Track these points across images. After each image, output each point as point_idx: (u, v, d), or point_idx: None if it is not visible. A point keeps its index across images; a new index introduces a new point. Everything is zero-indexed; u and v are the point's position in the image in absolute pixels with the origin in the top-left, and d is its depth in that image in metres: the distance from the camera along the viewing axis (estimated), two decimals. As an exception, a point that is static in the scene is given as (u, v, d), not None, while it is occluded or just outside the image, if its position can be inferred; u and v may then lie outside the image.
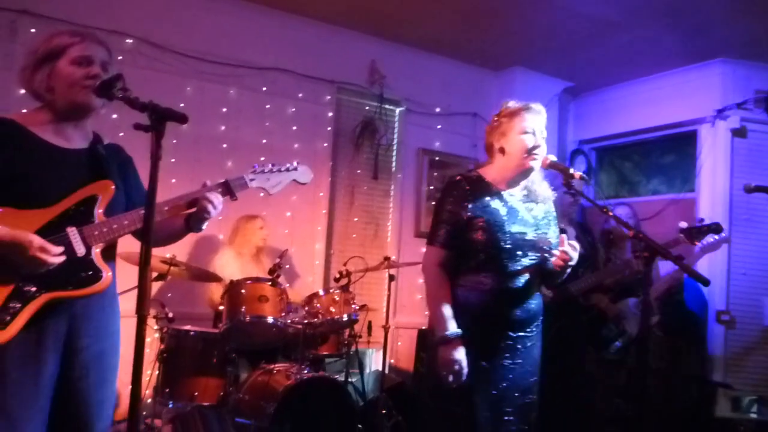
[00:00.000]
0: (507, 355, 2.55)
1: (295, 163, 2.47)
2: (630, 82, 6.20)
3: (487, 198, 2.60)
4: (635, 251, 3.89)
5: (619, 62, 5.77)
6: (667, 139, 6.12)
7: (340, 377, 4.20)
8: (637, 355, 4.32)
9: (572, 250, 2.50)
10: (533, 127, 2.58)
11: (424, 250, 2.75)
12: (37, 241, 1.88)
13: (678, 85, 5.80)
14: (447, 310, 2.51)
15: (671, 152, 6.18)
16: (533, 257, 2.59)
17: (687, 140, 5.88)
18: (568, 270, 2.59)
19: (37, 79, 2.09)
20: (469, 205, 2.57)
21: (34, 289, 1.92)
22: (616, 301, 4.39)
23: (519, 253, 2.56)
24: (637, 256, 3.64)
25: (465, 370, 2.45)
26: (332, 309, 4.12)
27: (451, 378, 2.44)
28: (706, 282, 2.42)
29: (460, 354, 2.46)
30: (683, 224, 3.82)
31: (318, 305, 4.14)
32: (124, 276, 2.35)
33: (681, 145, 6.00)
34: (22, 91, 2.14)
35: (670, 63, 5.68)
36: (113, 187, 2.12)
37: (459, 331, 2.48)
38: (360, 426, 3.93)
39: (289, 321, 3.99)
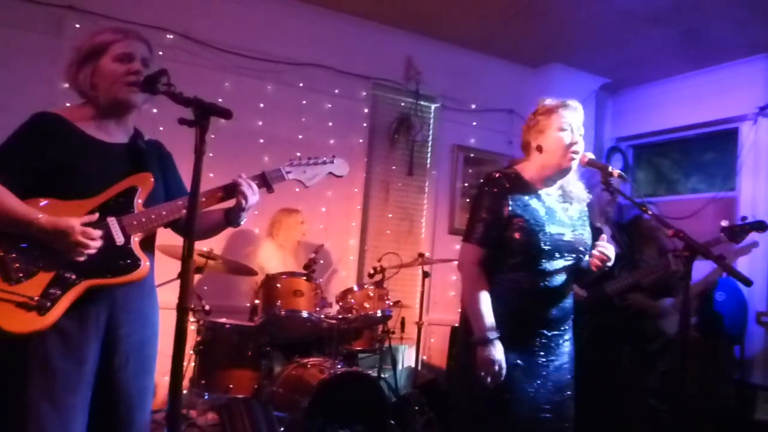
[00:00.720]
0: (542, 353, 2.52)
1: (331, 156, 2.47)
2: (669, 78, 6.11)
3: (526, 197, 2.56)
4: (674, 251, 3.82)
5: (658, 58, 5.68)
6: (707, 137, 6.02)
7: (373, 373, 4.22)
8: (676, 356, 4.25)
9: (610, 251, 2.49)
10: (570, 123, 2.53)
11: (458, 247, 2.71)
12: (79, 226, 1.92)
13: (719, 81, 5.70)
14: (485, 309, 2.47)
15: (711, 150, 6.08)
16: (570, 258, 2.56)
17: (728, 138, 5.78)
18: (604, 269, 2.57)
19: (80, 78, 2.12)
20: (510, 203, 2.52)
21: (74, 276, 1.95)
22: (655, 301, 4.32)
23: (557, 254, 2.52)
24: (676, 255, 3.57)
25: (504, 371, 2.42)
26: (366, 305, 4.15)
27: (489, 379, 2.41)
28: (748, 282, 2.38)
29: (500, 354, 2.42)
30: (725, 223, 3.73)
31: (352, 300, 4.17)
32: (162, 268, 2.39)
33: (721, 142, 5.90)
34: (66, 85, 2.19)
35: (711, 59, 5.58)
36: (153, 179, 2.15)
37: (497, 331, 2.44)
38: (392, 422, 3.93)
39: (323, 316, 4.02)
